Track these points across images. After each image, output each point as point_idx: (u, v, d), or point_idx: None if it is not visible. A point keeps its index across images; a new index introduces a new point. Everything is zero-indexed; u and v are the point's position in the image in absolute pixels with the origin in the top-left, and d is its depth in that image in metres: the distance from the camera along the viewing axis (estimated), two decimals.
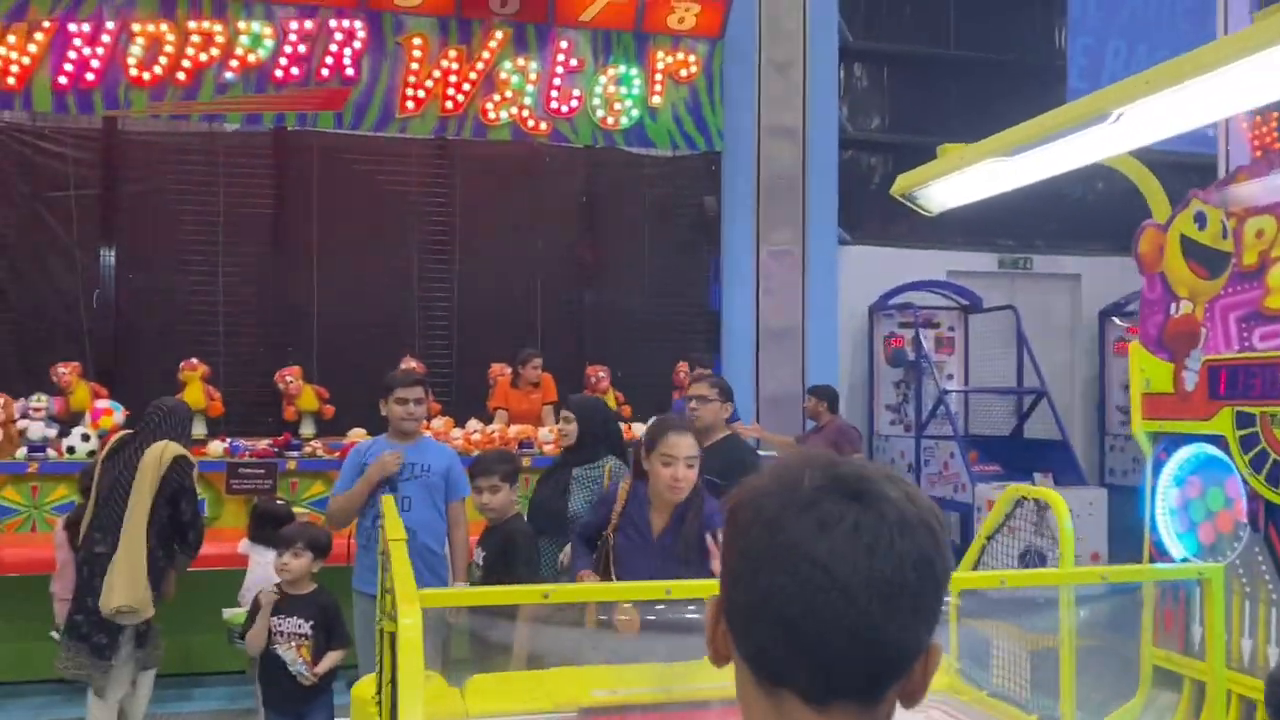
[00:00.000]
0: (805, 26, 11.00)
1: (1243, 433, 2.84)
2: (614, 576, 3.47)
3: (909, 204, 3.33)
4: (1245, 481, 2.83)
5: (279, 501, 6.77)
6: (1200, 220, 2.98)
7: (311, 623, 4.47)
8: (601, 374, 9.46)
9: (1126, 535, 10.59)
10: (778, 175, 10.93)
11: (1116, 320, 12.60)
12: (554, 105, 9.93)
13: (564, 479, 4.76)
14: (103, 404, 7.44)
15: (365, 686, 3.47)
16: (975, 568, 3.56)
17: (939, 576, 0.91)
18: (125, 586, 5.01)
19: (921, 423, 10.77)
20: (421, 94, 9.61)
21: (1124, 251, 12.57)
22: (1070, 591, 2.79)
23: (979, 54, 12.47)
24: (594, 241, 10.43)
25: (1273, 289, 2.76)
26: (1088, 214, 12.86)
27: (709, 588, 1.11)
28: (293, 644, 4.40)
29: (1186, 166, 11.98)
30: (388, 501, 3.10)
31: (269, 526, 6.06)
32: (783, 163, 10.96)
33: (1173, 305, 3.08)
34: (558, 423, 5.64)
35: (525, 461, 7.02)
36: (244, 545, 6.34)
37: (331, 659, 4.46)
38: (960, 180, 3.05)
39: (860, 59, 12.31)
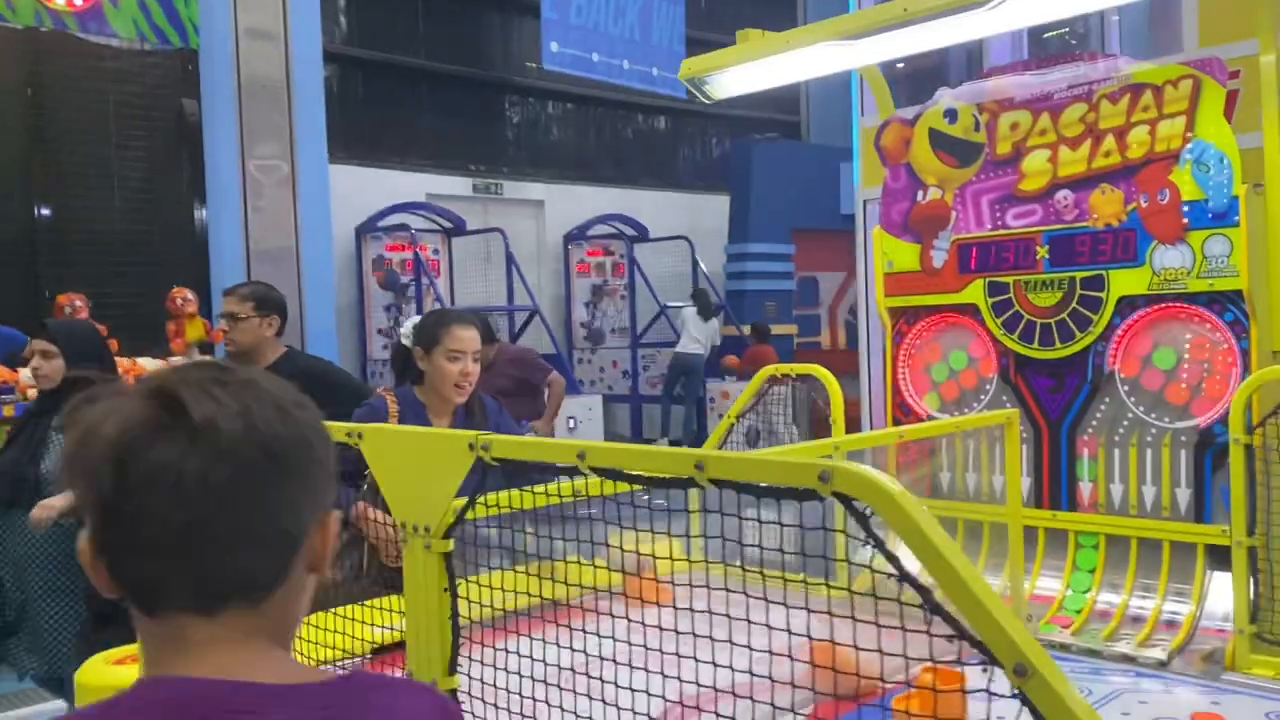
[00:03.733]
0: None
1: (995, 300, 3.32)
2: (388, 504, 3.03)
3: (692, 88, 3.31)
4: (998, 341, 3.31)
5: None
6: (951, 115, 3.38)
7: None
8: (79, 303, 8.00)
9: (613, 436, 11.63)
10: (260, 83, 9.99)
11: (569, 247, 13.56)
12: None
13: (40, 432, 3.71)
14: None
15: (96, 672, 2.67)
16: (721, 447, 3.72)
17: None
18: None
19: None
20: None
21: (583, 181, 13.55)
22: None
23: None
24: (46, 145, 8.71)
25: (1027, 174, 3.23)
26: (550, 144, 13.64)
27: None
28: None
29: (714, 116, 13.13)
30: None
31: None
32: (265, 69, 10.02)
33: (920, 192, 3.46)
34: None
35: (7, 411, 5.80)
36: None
37: None
38: (764, 66, 3.11)
39: None
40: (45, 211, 8.62)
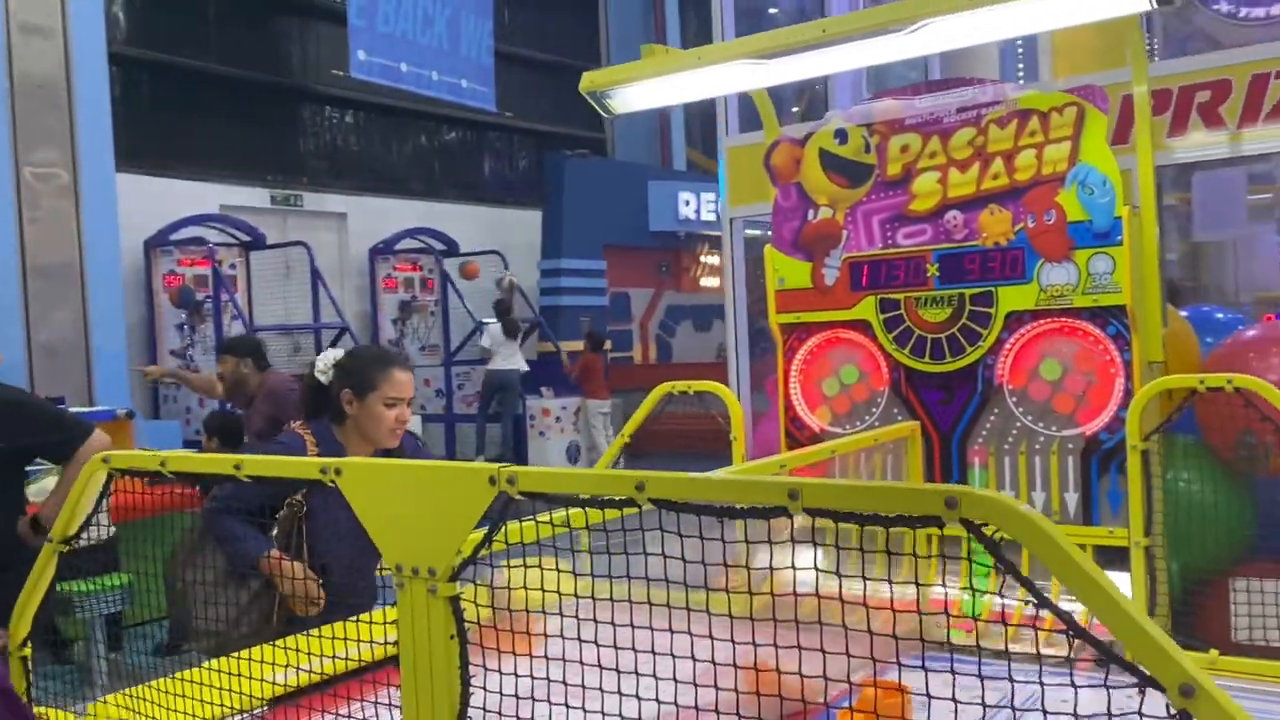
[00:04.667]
0: None
1: (886, 316, 3.40)
2: (306, 549, 2.79)
3: (593, 102, 3.23)
4: (889, 355, 3.40)
5: None
6: (841, 136, 3.45)
7: None
8: None
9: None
10: (36, 83, 9.17)
11: (376, 262, 13.07)
12: None
13: None
14: None
15: None
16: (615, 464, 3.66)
17: None
18: None
19: None
20: None
21: (388, 193, 13.14)
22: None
23: None
24: None
25: (917, 194, 3.33)
26: (352, 154, 13.15)
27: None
28: None
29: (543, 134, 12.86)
30: None
31: None
32: (41, 68, 9.21)
33: (810, 211, 3.52)
34: None
35: None
36: None
37: None
38: (670, 82, 3.07)
39: None
40: None
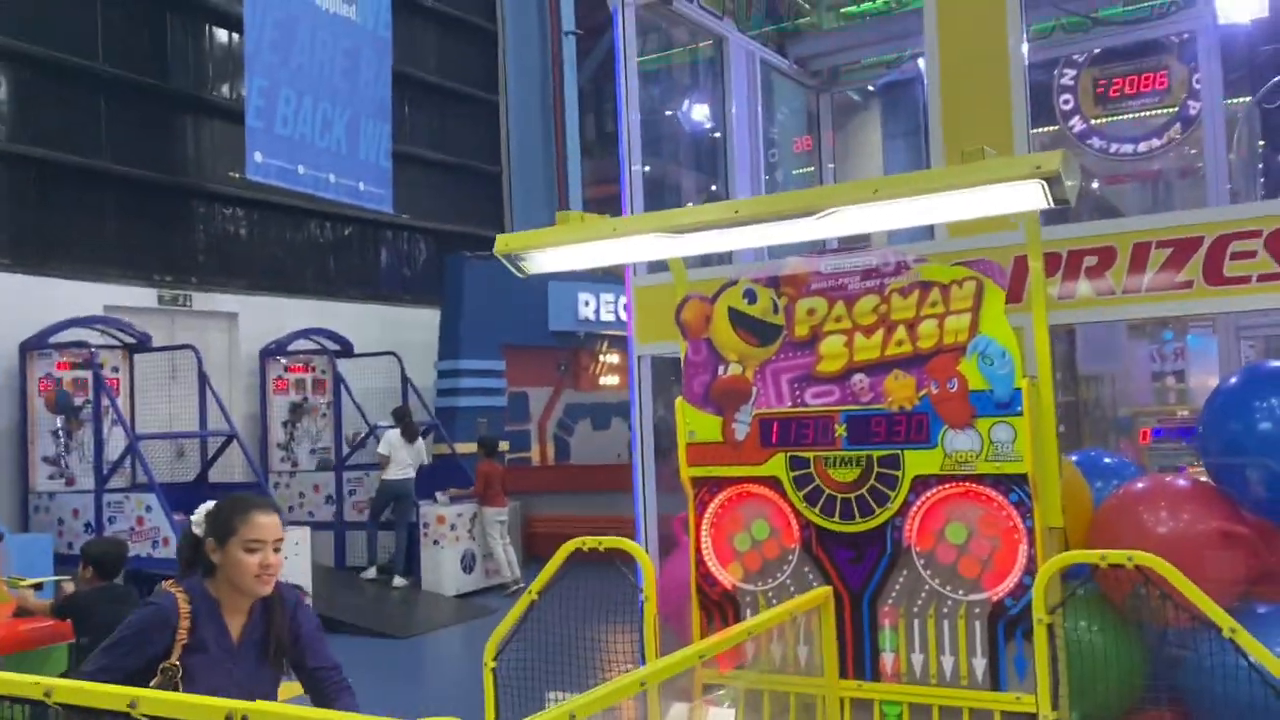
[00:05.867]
0: None
1: (796, 473, 3.43)
2: None
3: (507, 263, 3.23)
4: (800, 513, 3.42)
5: None
6: (750, 296, 3.51)
7: None
8: None
9: (316, 569, 10.88)
10: None
11: (266, 363, 12.68)
12: None
13: None
14: None
15: None
16: (517, 629, 3.57)
17: None
18: None
19: (105, 475, 9.65)
20: None
21: (280, 292, 12.86)
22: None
23: (134, 74, 11.60)
24: None
25: (824, 356, 3.39)
26: (243, 253, 12.88)
27: None
28: None
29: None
30: None
31: None
32: None
33: (721, 367, 3.56)
34: None
35: None
36: None
37: None
38: (584, 247, 3.09)
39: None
40: None
